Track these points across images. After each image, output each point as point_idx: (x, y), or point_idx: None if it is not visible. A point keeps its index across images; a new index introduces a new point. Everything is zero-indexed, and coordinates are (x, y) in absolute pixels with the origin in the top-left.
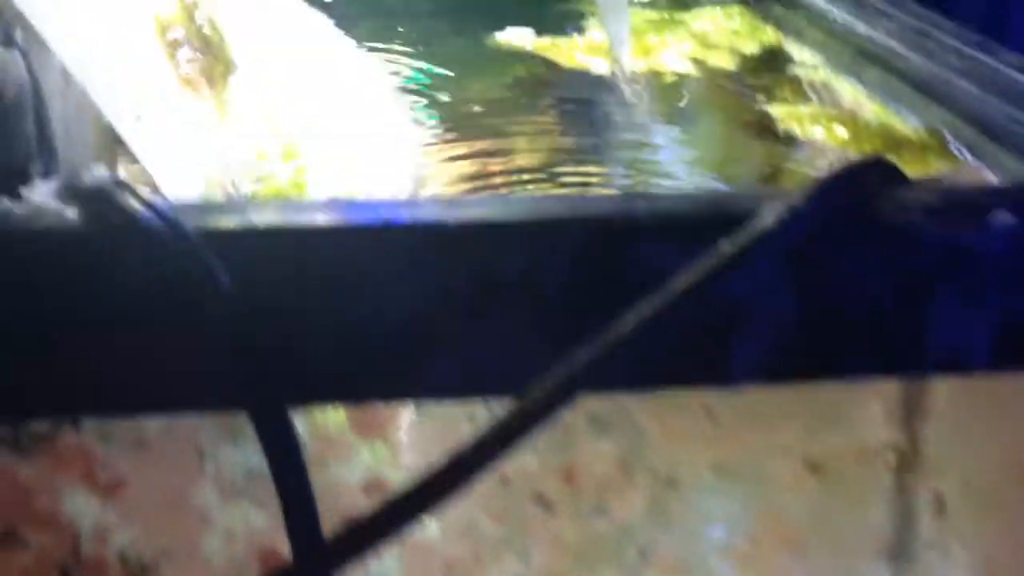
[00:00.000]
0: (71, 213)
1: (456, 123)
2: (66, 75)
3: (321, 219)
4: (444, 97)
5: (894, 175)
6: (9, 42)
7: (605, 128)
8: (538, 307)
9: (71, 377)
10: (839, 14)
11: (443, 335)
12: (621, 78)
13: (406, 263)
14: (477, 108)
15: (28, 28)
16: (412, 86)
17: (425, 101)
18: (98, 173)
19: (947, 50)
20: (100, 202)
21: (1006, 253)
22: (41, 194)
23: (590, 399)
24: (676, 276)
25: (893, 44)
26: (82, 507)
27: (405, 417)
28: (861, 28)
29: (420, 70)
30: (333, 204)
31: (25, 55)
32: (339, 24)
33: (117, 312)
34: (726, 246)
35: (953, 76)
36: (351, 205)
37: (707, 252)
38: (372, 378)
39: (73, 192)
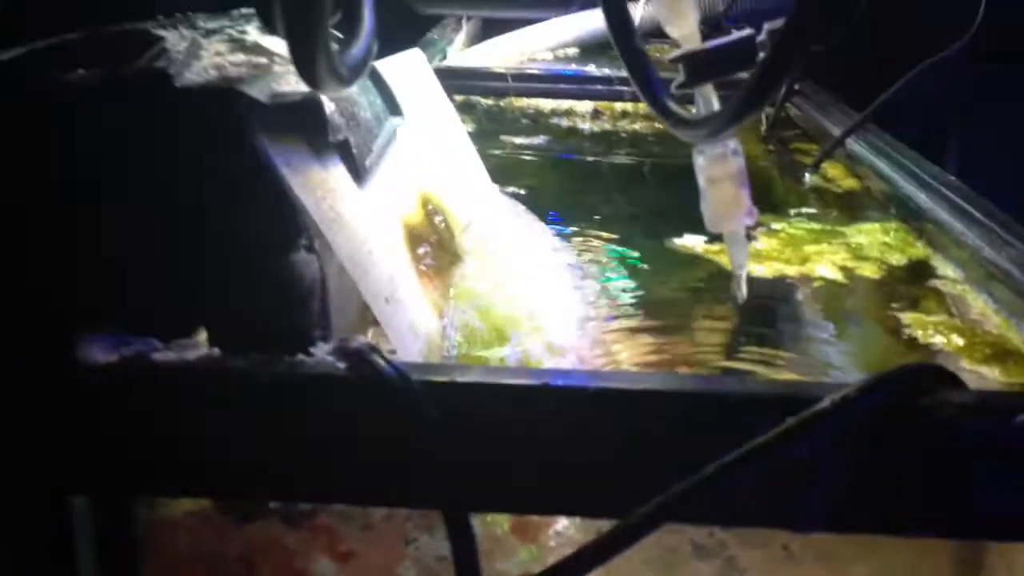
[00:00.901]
0: (340, 366)
1: (642, 313)
2: (342, 269)
3: (499, 379)
4: (632, 288)
5: (946, 378)
6: (310, 248)
7: (761, 324)
8: (650, 455)
9: (333, 474)
10: (972, 238)
11: (580, 468)
12: (739, 296)
13: (553, 415)
14: (661, 301)
15: (321, 238)
16: (606, 277)
17: (615, 289)
18: (360, 340)
19: None
20: (359, 360)
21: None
22: (322, 352)
23: (693, 530)
24: (750, 440)
25: (1014, 268)
26: (324, 569)
27: (553, 527)
28: (987, 252)
29: (613, 264)
30: (509, 369)
31: (318, 257)
32: (549, 221)
33: (365, 434)
34: (790, 421)
35: None
36: (523, 370)
37: (775, 424)
38: (531, 496)
39: (342, 352)
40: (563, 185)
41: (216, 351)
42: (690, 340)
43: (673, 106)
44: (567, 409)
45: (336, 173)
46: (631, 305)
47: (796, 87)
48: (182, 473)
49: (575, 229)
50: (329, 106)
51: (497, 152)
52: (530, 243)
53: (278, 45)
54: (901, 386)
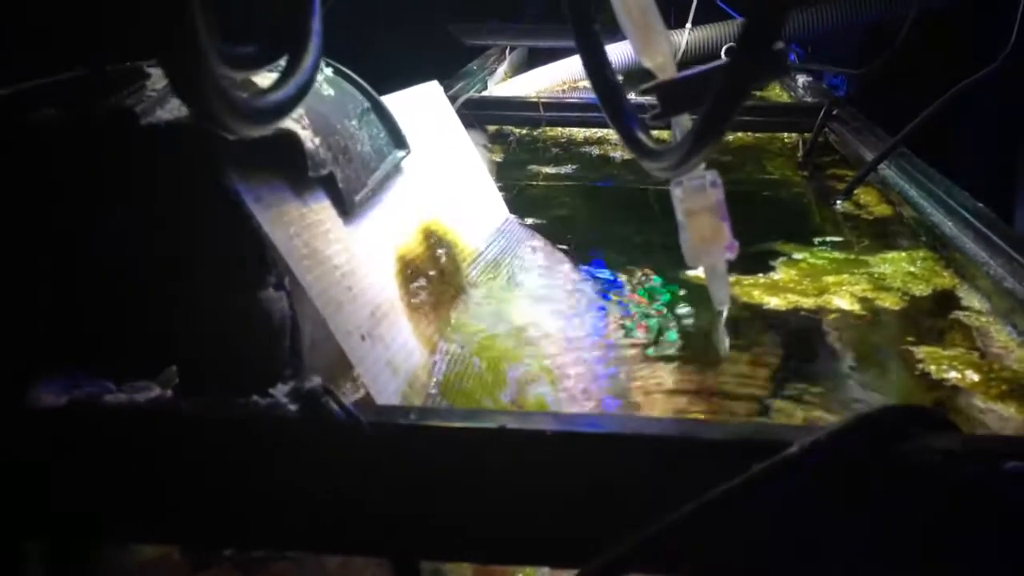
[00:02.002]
0: (292, 409)
1: (656, 344)
2: (315, 307)
3: (454, 422)
4: (651, 319)
5: (931, 420)
6: (280, 286)
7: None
8: (610, 501)
9: (284, 519)
10: (995, 267)
11: (538, 515)
12: (721, 333)
13: (509, 460)
14: (679, 333)
15: (292, 276)
16: (624, 308)
17: (633, 320)
18: (315, 382)
19: None
20: (310, 402)
21: (1015, 493)
22: (279, 393)
23: None
24: (716, 486)
25: None
26: None
27: None
28: (1009, 282)
29: (634, 295)
30: (466, 412)
31: (288, 295)
32: (574, 251)
33: (316, 479)
34: (755, 467)
35: None
36: (480, 413)
37: (743, 470)
38: (486, 545)
39: (295, 394)
40: (592, 214)
41: (169, 393)
42: (701, 372)
43: (643, 138)
44: (524, 454)
45: (316, 208)
46: (646, 337)
47: (834, 112)
48: (131, 518)
49: (602, 259)
50: (313, 141)
51: (526, 182)
52: (544, 274)
53: (268, 80)
54: (878, 430)
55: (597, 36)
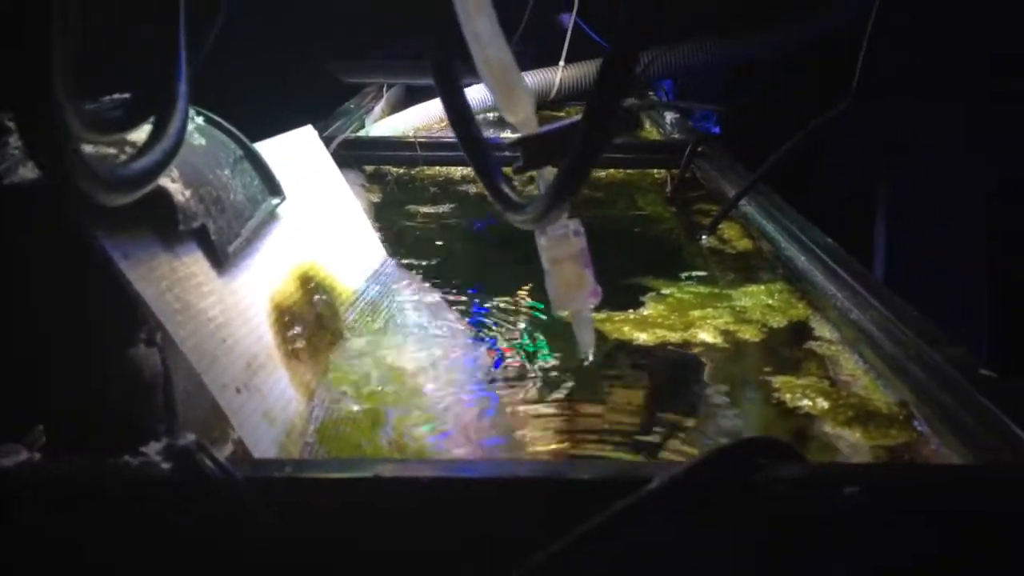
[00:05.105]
0: (165, 467)
1: (534, 384)
2: (188, 362)
3: (328, 473)
4: (529, 359)
5: (779, 451)
6: (151, 343)
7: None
8: (488, 544)
9: None
10: (842, 300)
11: (419, 561)
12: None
13: (388, 508)
14: (554, 373)
15: (164, 331)
16: (502, 349)
17: (511, 361)
18: (189, 438)
19: (908, 341)
20: (183, 460)
21: (852, 516)
22: (151, 451)
23: None
24: (580, 526)
25: (875, 330)
26: None
27: None
28: (855, 314)
29: (513, 335)
30: (341, 461)
31: (161, 350)
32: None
33: (192, 541)
34: (617, 504)
35: (911, 363)
36: (355, 462)
37: (606, 508)
38: None
39: (168, 452)
40: (471, 254)
41: (36, 456)
42: (580, 410)
43: (507, 190)
44: (401, 501)
45: (188, 261)
46: (526, 376)
47: (700, 149)
48: None
49: (481, 299)
50: (183, 194)
51: (404, 222)
52: (423, 316)
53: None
54: (731, 463)
55: (461, 92)
